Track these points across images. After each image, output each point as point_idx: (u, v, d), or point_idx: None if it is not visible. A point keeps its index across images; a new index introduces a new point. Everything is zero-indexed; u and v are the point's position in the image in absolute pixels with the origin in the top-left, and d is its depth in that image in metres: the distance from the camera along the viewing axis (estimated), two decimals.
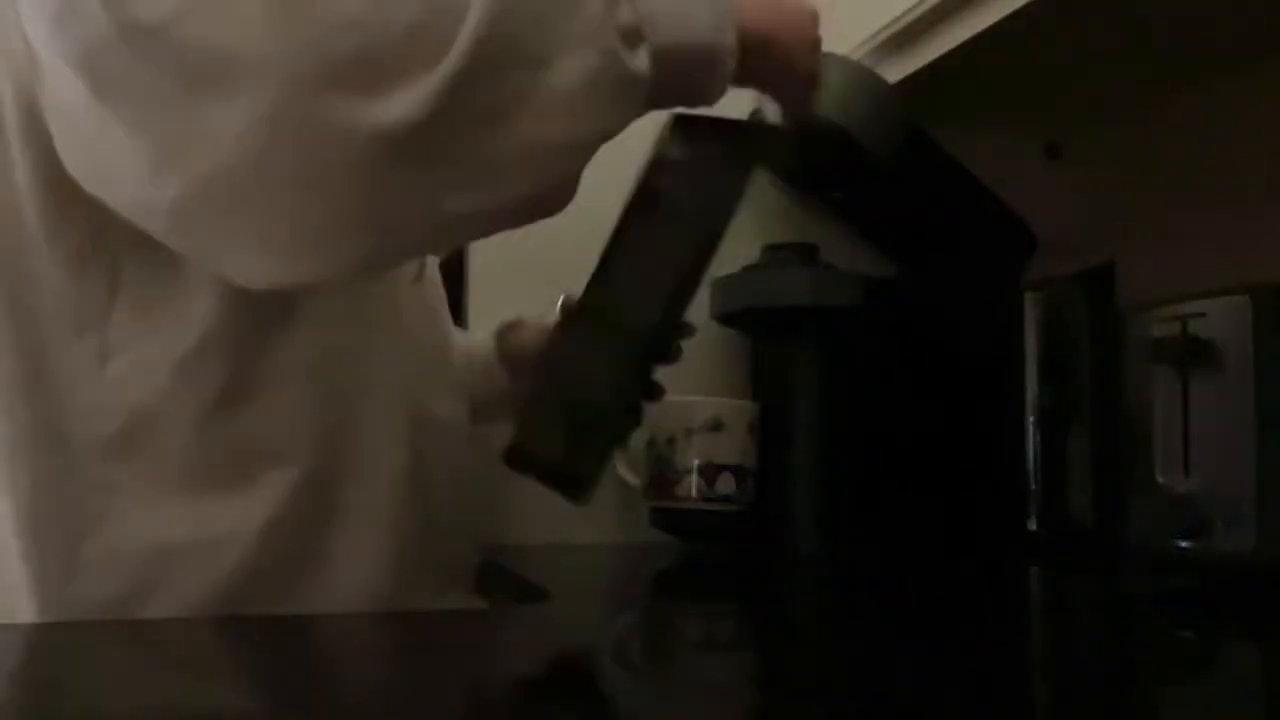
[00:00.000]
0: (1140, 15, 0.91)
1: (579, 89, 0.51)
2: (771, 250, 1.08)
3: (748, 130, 0.69)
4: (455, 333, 0.85)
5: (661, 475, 1.01)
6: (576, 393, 0.65)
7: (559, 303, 0.77)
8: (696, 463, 0.99)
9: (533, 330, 0.85)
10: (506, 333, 0.85)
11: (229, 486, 0.57)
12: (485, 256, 1.12)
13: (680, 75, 0.58)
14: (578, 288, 0.68)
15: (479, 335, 0.87)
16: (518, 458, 0.65)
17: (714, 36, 0.58)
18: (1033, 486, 0.98)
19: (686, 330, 0.71)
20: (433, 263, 0.74)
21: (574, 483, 0.66)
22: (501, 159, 0.50)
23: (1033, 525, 0.97)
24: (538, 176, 0.53)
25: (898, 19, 1.00)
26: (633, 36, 0.54)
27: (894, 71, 1.05)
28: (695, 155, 0.64)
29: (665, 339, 0.67)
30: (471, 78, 0.47)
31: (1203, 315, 0.73)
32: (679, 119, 0.65)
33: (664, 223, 0.65)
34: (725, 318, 1.10)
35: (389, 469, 0.63)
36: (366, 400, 0.62)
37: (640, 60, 0.54)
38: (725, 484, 0.99)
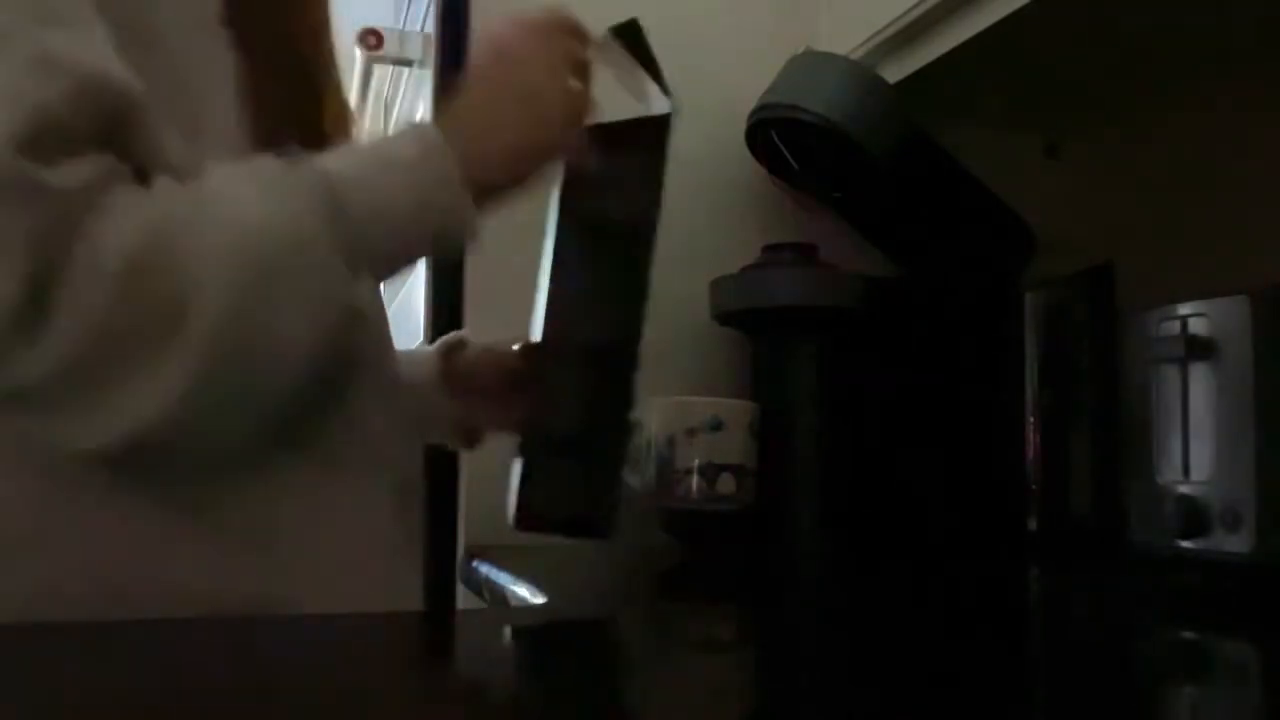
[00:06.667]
0: (1140, 16, 0.92)
1: (314, 342, 0.53)
2: (771, 250, 1.08)
3: (645, 123, 0.65)
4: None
5: (661, 475, 1.00)
6: (570, 433, 0.63)
7: (516, 349, 0.75)
8: (696, 463, 0.98)
9: (478, 354, 0.81)
10: (450, 353, 0.81)
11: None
12: (483, 257, 1.12)
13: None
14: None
15: (422, 351, 0.83)
16: (531, 520, 0.63)
17: (444, 220, 0.55)
18: (1033, 486, 0.98)
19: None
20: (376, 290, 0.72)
21: (600, 523, 0.63)
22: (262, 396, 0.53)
23: (1033, 525, 0.97)
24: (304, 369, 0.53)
25: (898, 19, 1.00)
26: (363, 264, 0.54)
27: (894, 71, 1.05)
28: (603, 163, 0.63)
29: (634, 348, 0.65)
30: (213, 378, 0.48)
31: (1203, 315, 0.73)
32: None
33: (596, 238, 0.64)
34: (724, 318, 1.10)
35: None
36: None
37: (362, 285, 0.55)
38: (725, 484, 0.99)
